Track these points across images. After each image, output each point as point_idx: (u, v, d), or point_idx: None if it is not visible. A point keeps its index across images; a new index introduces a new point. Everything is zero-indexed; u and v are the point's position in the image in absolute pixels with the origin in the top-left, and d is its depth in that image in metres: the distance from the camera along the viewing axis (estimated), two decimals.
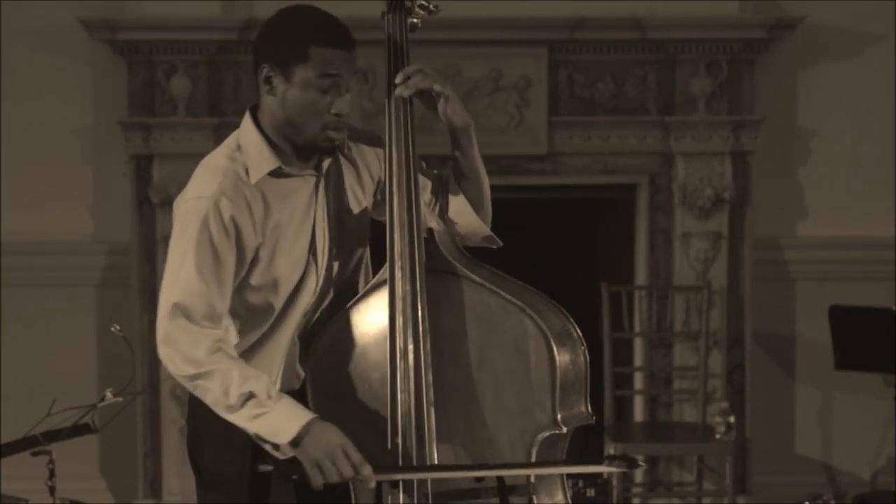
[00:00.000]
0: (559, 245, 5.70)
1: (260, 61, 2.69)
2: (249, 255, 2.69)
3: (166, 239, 5.13)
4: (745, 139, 5.25)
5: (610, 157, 5.30)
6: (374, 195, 2.87)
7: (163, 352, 2.70)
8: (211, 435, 2.78)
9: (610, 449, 4.94)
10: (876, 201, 5.46)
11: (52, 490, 4.06)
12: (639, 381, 5.41)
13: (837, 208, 5.47)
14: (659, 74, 5.27)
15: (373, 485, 2.60)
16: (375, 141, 2.85)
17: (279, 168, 2.69)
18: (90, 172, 5.35)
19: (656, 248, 5.37)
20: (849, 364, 5.06)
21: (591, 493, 4.78)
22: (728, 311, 5.32)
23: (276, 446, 2.61)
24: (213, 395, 2.62)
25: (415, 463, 2.61)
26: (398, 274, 2.64)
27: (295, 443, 2.58)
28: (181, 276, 2.65)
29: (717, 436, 4.94)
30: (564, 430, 2.61)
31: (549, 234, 5.70)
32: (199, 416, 2.79)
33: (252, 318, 2.75)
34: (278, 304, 2.74)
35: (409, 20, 2.76)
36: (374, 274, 2.81)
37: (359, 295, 2.73)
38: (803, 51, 5.36)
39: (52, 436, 3.95)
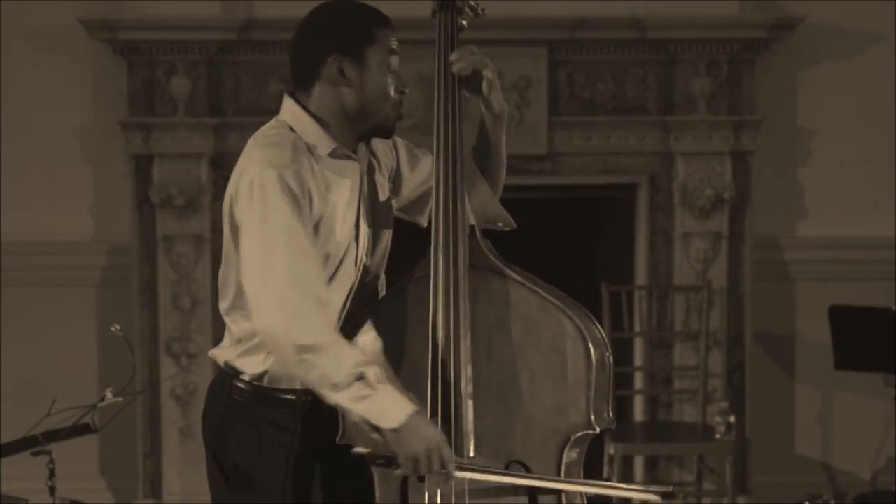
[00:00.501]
0: (559, 245, 5.70)
1: (325, 54, 2.71)
2: (314, 225, 2.66)
3: (166, 239, 5.17)
4: (745, 139, 5.25)
5: (610, 157, 5.30)
6: (390, 184, 2.89)
7: (274, 320, 2.57)
8: (245, 432, 2.75)
9: (610, 449, 4.95)
10: (876, 201, 5.46)
11: (52, 490, 4.06)
12: (639, 381, 5.41)
13: (837, 208, 5.47)
14: (659, 74, 5.27)
15: (452, 480, 2.59)
16: None
17: (336, 149, 2.71)
18: (90, 172, 5.35)
19: (656, 248, 5.37)
20: (849, 364, 5.06)
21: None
22: (728, 311, 5.32)
23: (374, 428, 2.58)
24: (318, 371, 2.56)
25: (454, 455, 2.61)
26: (441, 268, 2.66)
27: (397, 430, 2.55)
28: (286, 248, 2.58)
29: (717, 436, 4.94)
30: (598, 430, 2.64)
31: (549, 234, 5.69)
32: (226, 416, 2.77)
33: None
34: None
35: (459, 20, 2.81)
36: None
37: (399, 284, 2.74)
38: (803, 51, 5.36)
39: (52, 436, 3.95)
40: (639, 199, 5.38)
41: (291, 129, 2.71)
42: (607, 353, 2.71)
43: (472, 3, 2.84)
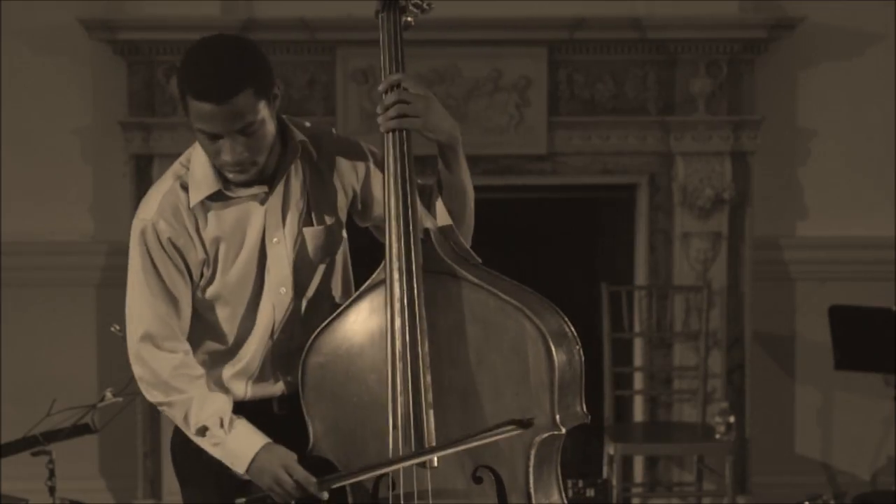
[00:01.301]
0: (559, 245, 5.70)
1: None
2: (197, 272, 2.73)
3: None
4: (745, 139, 5.25)
5: (610, 157, 5.30)
6: (354, 205, 2.84)
7: (135, 370, 2.79)
8: (184, 438, 2.82)
9: (610, 449, 4.95)
10: (876, 201, 5.46)
11: (52, 490, 4.06)
12: (639, 381, 5.41)
13: (837, 208, 5.47)
14: (659, 74, 5.27)
15: (326, 496, 2.65)
16: (354, 152, 2.82)
17: (219, 192, 2.70)
18: (90, 172, 5.35)
19: (656, 248, 5.37)
20: (849, 364, 5.06)
21: (590, 493, 4.81)
22: (728, 311, 5.32)
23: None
24: (177, 421, 2.77)
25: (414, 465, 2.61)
26: (395, 275, 2.63)
27: (248, 472, 2.69)
28: (138, 300, 2.74)
29: (717, 436, 4.94)
30: (563, 430, 2.61)
31: (549, 234, 5.70)
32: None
33: (208, 330, 2.78)
34: (233, 317, 2.76)
35: (404, 19, 2.74)
36: (355, 280, 2.83)
37: (355, 295, 2.72)
38: (803, 51, 5.36)
39: (52, 436, 3.95)
40: (639, 199, 5.38)
41: (189, 162, 2.72)
42: (576, 347, 2.69)
43: (417, 0, 2.76)
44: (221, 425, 2.70)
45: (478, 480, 2.64)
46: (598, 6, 5.17)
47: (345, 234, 2.87)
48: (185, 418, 2.73)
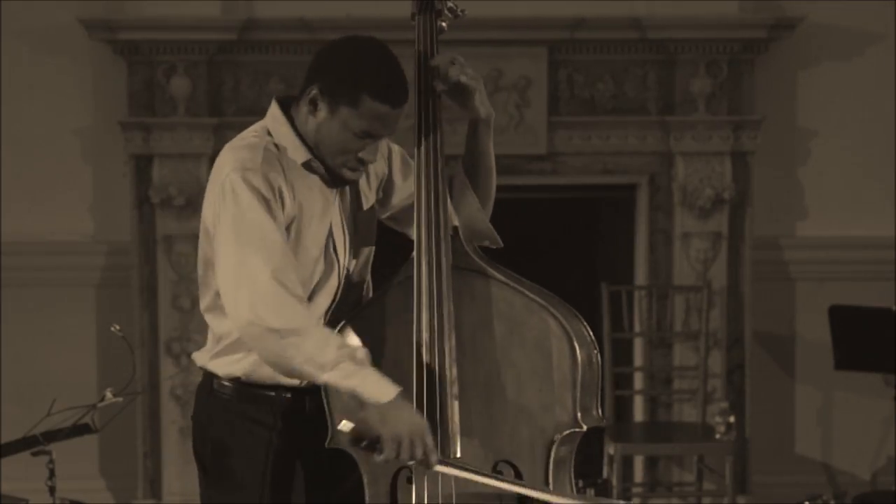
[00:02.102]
0: (559, 245, 5.70)
1: (312, 81, 2.68)
2: (285, 226, 2.68)
3: (166, 239, 5.17)
4: (745, 139, 5.26)
5: (610, 157, 5.30)
6: (377, 192, 2.88)
7: (255, 312, 2.59)
8: (223, 433, 2.78)
9: (610, 449, 4.95)
10: (876, 201, 5.46)
11: (52, 490, 4.06)
12: (639, 381, 5.41)
13: (837, 208, 5.47)
14: (659, 74, 5.27)
15: (433, 470, 2.58)
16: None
17: (310, 161, 2.71)
18: (90, 172, 5.35)
19: (656, 248, 5.37)
20: (849, 364, 5.06)
21: (590, 493, 4.81)
22: (728, 311, 5.32)
23: (361, 406, 2.58)
24: (305, 353, 2.57)
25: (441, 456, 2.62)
26: (424, 269, 2.67)
27: (385, 408, 2.56)
28: (264, 240, 2.61)
29: (717, 436, 4.94)
30: (585, 427, 2.64)
31: (549, 234, 5.70)
32: (208, 415, 2.81)
33: None
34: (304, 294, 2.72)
35: (439, 23, 2.78)
36: (378, 274, 2.83)
37: (383, 288, 2.75)
38: (803, 51, 5.36)
39: (52, 436, 3.95)
40: (639, 199, 5.38)
41: (269, 132, 2.72)
42: (595, 352, 2.72)
43: (452, 4, 2.82)
44: (364, 359, 2.58)
45: (498, 475, 2.66)
46: (598, 6, 5.17)
47: None
48: (324, 345, 2.56)
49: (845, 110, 5.42)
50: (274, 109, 2.75)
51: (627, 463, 5.32)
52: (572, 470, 2.74)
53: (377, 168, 2.85)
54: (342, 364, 2.56)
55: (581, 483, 4.76)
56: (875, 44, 5.39)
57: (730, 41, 5.17)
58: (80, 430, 3.96)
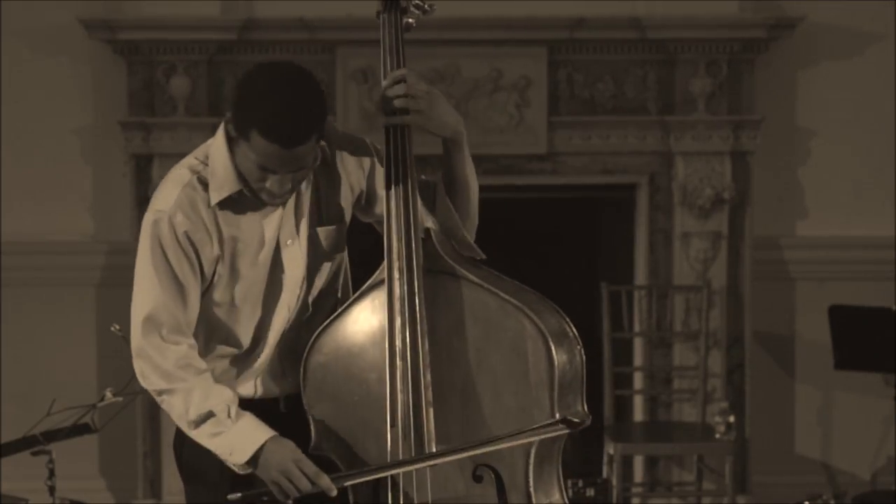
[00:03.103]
0: (559, 245, 5.70)
1: (229, 108, 2.65)
2: (210, 269, 2.70)
3: None
4: (745, 139, 5.26)
5: (610, 157, 5.30)
6: (359, 201, 2.83)
7: (137, 365, 2.73)
8: (198, 448, 2.78)
9: (609, 449, 4.95)
10: (876, 201, 5.46)
11: (51, 490, 4.06)
12: (639, 380, 5.41)
13: (837, 208, 5.47)
14: (659, 74, 5.27)
15: (334, 493, 2.61)
16: (359, 148, 2.81)
17: (240, 191, 2.68)
18: (90, 172, 5.35)
19: (656, 247, 5.37)
20: (849, 364, 5.06)
21: (590, 493, 4.81)
22: (728, 310, 5.32)
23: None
24: (176, 411, 2.69)
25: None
26: (395, 274, 2.64)
27: (252, 463, 2.63)
28: (145, 289, 2.69)
29: (717, 435, 4.94)
30: (563, 429, 2.61)
31: (549, 234, 5.70)
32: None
33: (224, 334, 2.76)
34: (250, 318, 2.75)
35: (405, 20, 2.74)
36: (352, 280, 2.82)
37: (356, 294, 2.72)
38: (803, 51, 5.36)
39: (52, 435, 3.95)
40: (639, 199, 5.38)
41: (208, 158, 2.69)
42: (577, 348, 2.69)
43: (418, 1, 2.76)
44: (229, 414, 2.65)
45: (478, 479, 2.64)
46: (598, 6, 5.17)
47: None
48: (187, 407, 2.66)
49: (845, 110, 5.42)
50: (219, 133, 2.69)
51: (627, 463, 5.32)
52: (559, 468, 2.72)
53: (352, 182, 2.80)
54: (205, 425, 2.65)
55: (581, 483, 4.75)
56: (875, 44, 5.39)
57: (730, 41, 5.17)
58: (79, 429, 3.97)
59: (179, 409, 2.68)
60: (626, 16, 5.16)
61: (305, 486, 2.60)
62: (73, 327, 5.34)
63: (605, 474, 4.97)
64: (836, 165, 5.45)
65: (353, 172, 2.80)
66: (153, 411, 5.22)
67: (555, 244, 5.68)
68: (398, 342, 2.62)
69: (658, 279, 5.35)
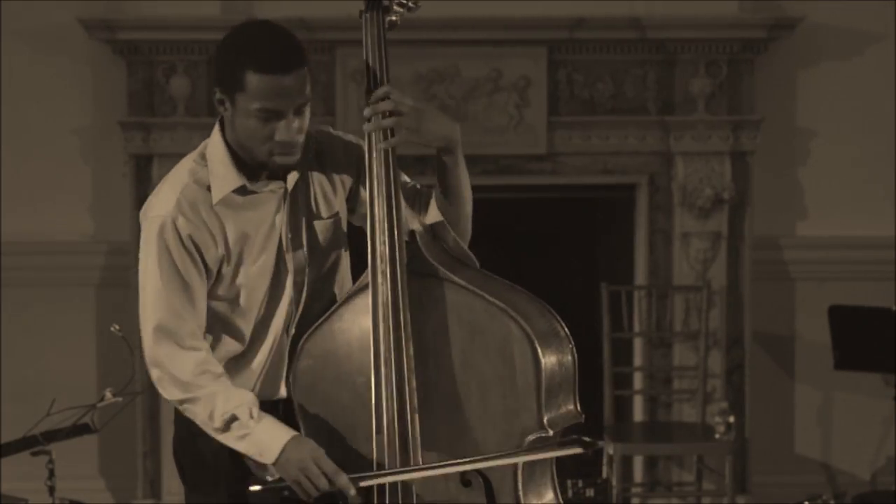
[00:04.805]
0: (559, 245, 5.70)
1: (213, 83, 2.66)
2: (215, 269, 2.70)
3: None
4: (745, 139, 5.26)
5: (610, 157, 5.30)
6: (349, 201, 2.83)
7: (153, 374, 2.73)
8: (192, 440, 2.79)
9: (609, 449, 4.95)
10: (876, 201, 5.46)
11: (51, 490, 4.06)
12: (638, 380, 5.41)
13: (837, 208, 5.47)
14: (658, 74, 5.27)
15: (353, 492, 2.60)
16: (350, 147, 2.81)
17: (243, 186, 2.68)
18: (90, 172, 5.35)
19: (656, 248, 5.37)
20: (848, 364, 5.06)
21: (590, 493, 4.81)
22: (728, 311, 5.32)
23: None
24: (200, 418, 2.69)
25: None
26: (380, 278, 2.62)
27: (276, 463, 2.63)
28: (153, 296, 2.67)
29: (717, 436, 4.94)
30: (551, 432, 2.58)
31: (549, 234, 5.70)
32: (181, 422, 2.82)
33: (225, 330, 2.76)
34: (251, 315, 2.74)
35: (388, 18, 2.71)
36: (354, 279, 2.80)
37: (342, 299, 2.71)
38: (802, 51, 5.36)
39: (52, 436, 3.95)
40: (638, 199, 5.38)
41: (205, 159, 2.69)
42: (569, 346, 2.67)
43: None
44: (251, 415, 2.63)
45: (466, 483, 2.63)
46: (598, 6, 5.17)
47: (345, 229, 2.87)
48: (211, 413, 2.65)
49: (845, 110, 5.42)
50: (215, 131, 2.71)
51: (627, 463, 5.32)
52: (553, 469, 2.70)
53: (342, 177, 2.80)
54: (231, 429, 2.65)
55: (581, 483, 4.75)
56: (875, 44, 5.40)
57: (729, 41, 5.17)
58: (79, 429, 3.96)
59: (203, 416, 2.68)
60: (626, 16, 5.16)
61: (324, 484, 2.59)
62: (73, 327, 5.34)
63: (604, 474, 4.97)
64: (836, 165, 5.45)
65: (345, 171, 2.81)
66: (153, 411, 5.23)
67: (555, 244, 5.68)
68: (382, 347, 2.60)
69: (658, 279, 5.35)
